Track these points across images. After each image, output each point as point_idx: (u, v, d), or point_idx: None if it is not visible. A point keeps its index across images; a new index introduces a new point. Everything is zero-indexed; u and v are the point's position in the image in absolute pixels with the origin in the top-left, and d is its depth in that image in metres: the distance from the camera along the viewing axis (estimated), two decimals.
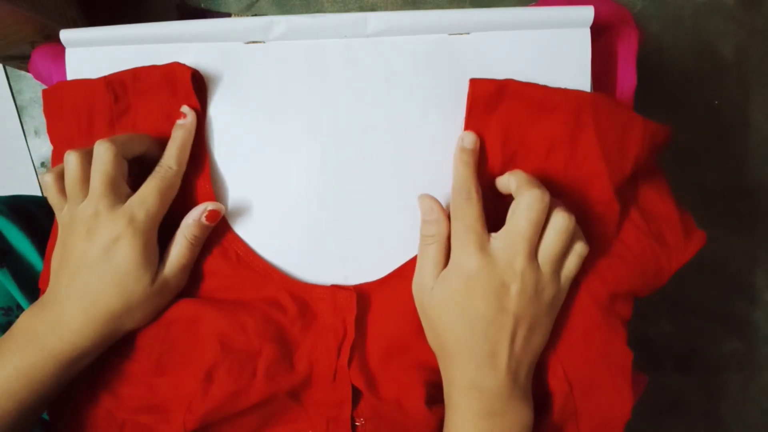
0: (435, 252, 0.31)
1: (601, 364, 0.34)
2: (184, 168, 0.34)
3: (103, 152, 0.31)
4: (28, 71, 0.42)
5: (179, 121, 0.34)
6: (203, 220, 0.33)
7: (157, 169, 0.33)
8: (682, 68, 0.65)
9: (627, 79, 0.35)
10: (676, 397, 0.70)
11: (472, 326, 0.30)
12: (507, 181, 0.32)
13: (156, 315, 0.34)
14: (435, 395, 0.33)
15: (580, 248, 0.31)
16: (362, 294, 0.34)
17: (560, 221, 0.30)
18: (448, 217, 0.32)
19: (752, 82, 0.65)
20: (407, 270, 0.34)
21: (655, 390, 0.69)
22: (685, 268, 0.35)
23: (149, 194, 0.32)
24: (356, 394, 0.33)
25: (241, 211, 0.36)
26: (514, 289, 0.29)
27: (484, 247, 0.30)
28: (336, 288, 0.34)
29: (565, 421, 0.33)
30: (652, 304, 0.69)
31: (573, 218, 0.30)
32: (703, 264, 0.65)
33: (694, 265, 0.35)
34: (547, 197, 0.29)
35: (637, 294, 0.35)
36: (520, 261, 0.29)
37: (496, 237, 0.30)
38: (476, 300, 0.29)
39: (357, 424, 0.34)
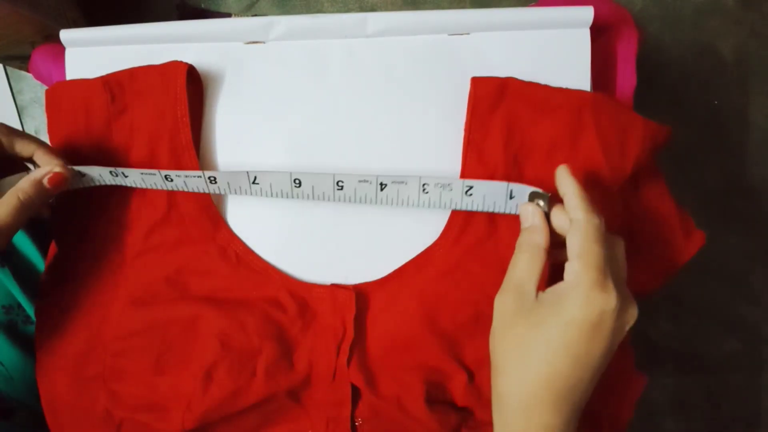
0: (533, 261, 0.28)
1: None
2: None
3: None
4: (28, 71, 0.42)
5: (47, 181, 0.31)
6: (45, 182, 0.30)
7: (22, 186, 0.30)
8: (681, 68, 0.65)
9: (627, 79, 0.35)
10: (676, 396, 0.70)
11: (575, 367, 0.26)
12: (571, 208, 0.28)
13: None
14: (435, 394, 0.33)
15: None
16: (361, 293, 0.34)
17: (624, 244, 0.29)
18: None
19: (752, 82, 0.65)
20: (407, 270, 0.34)
21: (655, 389, 0.69)
22: (686, 268, 0.35)
23: None
24: (356, 394, 0.33)
25: (240, 211, 0.36)
26: (627, 327, 0.27)
27: (619, 286, 0.26)
28: (335, 287, 0.35)
29: None
30: (652, 303, 0.69)
31: None
32: (703, 264, 0.65)
33: (694, 265, 0.35)
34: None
35: (638, 294, 0.35)
36: (629, 293, 0.27)
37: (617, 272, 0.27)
38: (597, 341, 0.26)
39: (356, 423, 0.34)
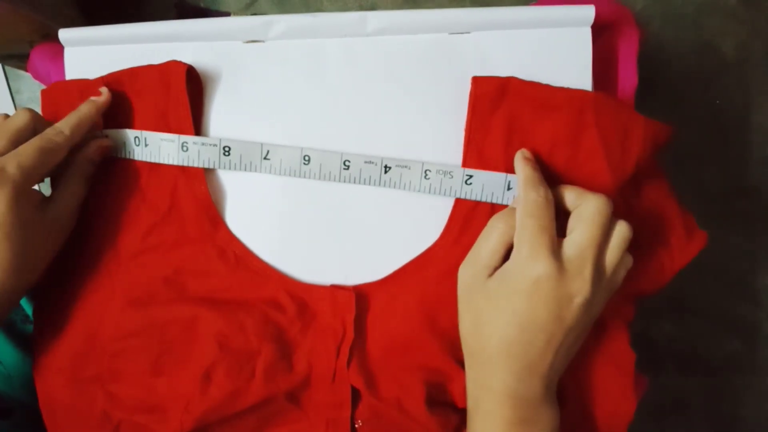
0: (501, 241, 0.30)
1: (604, 364, 0.34)
2: (76, 139, 0.33)
3: (16, 114, 0.32)
4: (26, 71, 0.42)
5: (92, 98, 0.34)
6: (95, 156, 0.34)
7: (47, 130, 0.32)
8: (683, 67, 0.65)
9: (628, 78, 0.35)
10: (677, 397, 0.70)
11: (523, 332, 0.28)
12: (563, 190, 0.31)
13: (53, 255, 0.34)
14: (435, 395, 0.33)
15: (628, 260, 0.30)
16: (361, 294, 0.34)
17: (625, 231, 0.29)
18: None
19: (753, 82, 0.65)
20: (407, 271, 0.34)
21: (656, 391, 0.69)
22: (687, 269, 0.35)
23: (25, 149, 0.31)
24: (356, 396, 0.33)
25: (239, 212, 0.36)
26: (577, 300, 0.28)
27: (556, 252, 0.28)
28: (335, 288, 0.34)
29: (569, 422, 0.33)
30: (653, 304, 0.69)
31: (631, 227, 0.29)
32: (705, 265, 0.65)
33: (695, 265, 0.35)
34: (611, 202, 0.29)
35: (639, 295, 0.35)
36: (588, 271, 0.28)
37: (568, 243, 0.28)
38: (537, 306, 0.28)
39: (356, 425, 0.33)
